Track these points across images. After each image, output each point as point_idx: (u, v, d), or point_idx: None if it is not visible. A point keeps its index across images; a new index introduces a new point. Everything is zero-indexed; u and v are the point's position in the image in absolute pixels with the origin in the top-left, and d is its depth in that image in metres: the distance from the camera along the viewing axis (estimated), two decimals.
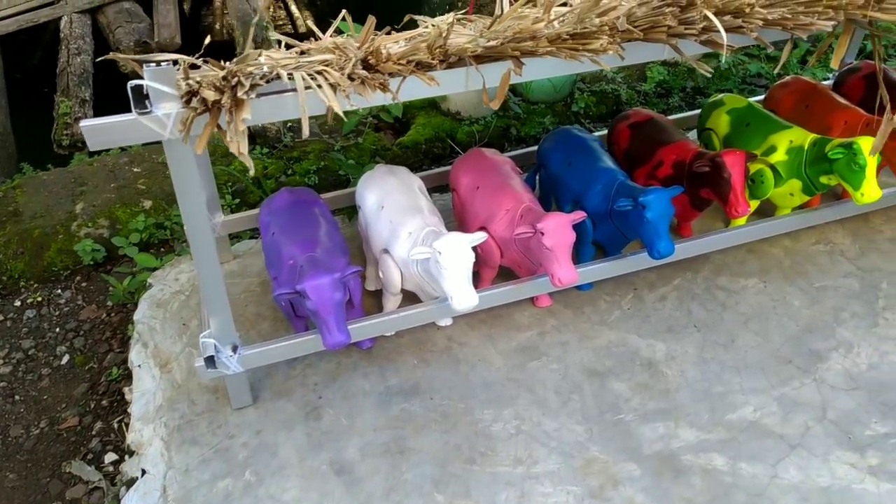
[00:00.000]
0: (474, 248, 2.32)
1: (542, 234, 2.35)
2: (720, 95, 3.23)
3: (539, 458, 2.31)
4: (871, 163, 2.65)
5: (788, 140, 2.88)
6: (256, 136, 3.98)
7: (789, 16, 1.84)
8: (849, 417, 2.40)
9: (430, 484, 2.25)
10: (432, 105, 4.31)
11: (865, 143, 2.63)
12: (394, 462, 2.31)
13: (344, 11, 2.04)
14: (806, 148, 2.83)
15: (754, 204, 3.02)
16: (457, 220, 2.91)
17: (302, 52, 1.87)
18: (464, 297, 2.23)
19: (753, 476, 2.24)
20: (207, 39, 2.16)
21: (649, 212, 2.45)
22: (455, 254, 2.22)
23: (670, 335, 2.72)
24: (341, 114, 1.66)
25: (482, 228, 2.64)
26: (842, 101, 3.14)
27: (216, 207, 2.93)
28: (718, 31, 1.85)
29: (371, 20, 1.85)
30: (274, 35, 4.88)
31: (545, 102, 4.36)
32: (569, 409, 2.46)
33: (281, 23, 7.26)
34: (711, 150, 3.22)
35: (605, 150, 2.92)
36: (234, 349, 2.30)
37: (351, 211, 3.35)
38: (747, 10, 1.81)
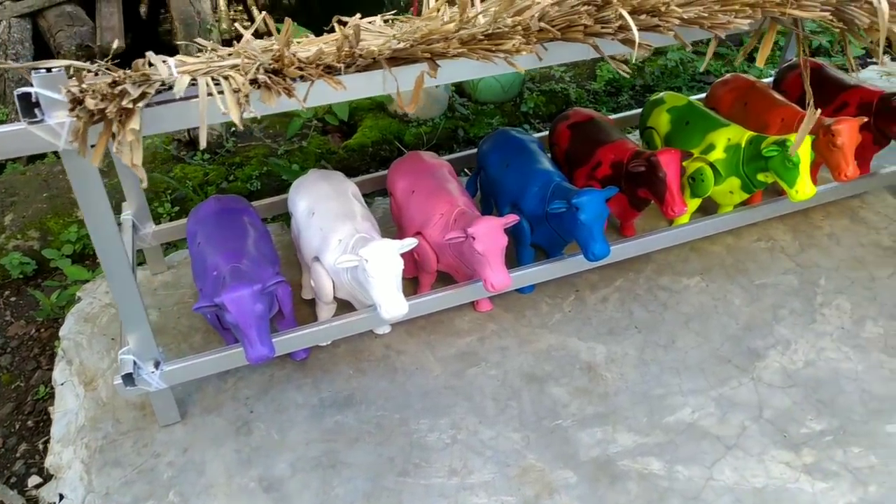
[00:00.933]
0: (411, 254, 2.26)
1: (474, 238, 2.30)
2: (661, 94, 3.22)
3: (474, 467, 2.26)
4: (805, 160, 2.65)
5: (726, 138, 2.87)
6: (196, 143, 3.87)
7: (706, 14, 1.82)
8: (785, 416, 2.39)
9: (362, 499, 2.19)
10: (380, 107, 4.25)
11: None
12: (325, 477, 2.25)
13: (264, 13, 1.97)
14: (743, 146, 2.82)
15: (695, 202, 3.02)
16: (396, 224, 2.85)
17: (222, 56, 1.80)
18: (392, 305, 2.18)
19: (689, 479, 2.22)
20: (116, 43, 2.09)
21: (583, 214, 2.42)
22: (382, 261, 2.17)
23: (611, 337, 2.70)
24: (238, 122, 1.59)
25: (418, 233, 2.59)
26: (779, 98, 3.14)
27: (146, 217, 2.84)
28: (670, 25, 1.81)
29: (287, 23, 1.78)
30: (214, 37, 4.78)
31: (494, 103, 4.32)
32: (506, 416, 2.42)
33: (246, 24, 7.13)
34: (653, 148, 3.21)
35: (543, 151, 2.88)
36: (156, 365, 2.22)
37: (288, 218, 3.27)
38: (663, 9, 1.78)
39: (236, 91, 1.64)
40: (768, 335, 2.69)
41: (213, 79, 1.72)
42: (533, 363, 2.60)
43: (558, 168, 3.04)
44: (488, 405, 2.46)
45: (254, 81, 1.69)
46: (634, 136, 3.64)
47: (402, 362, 2.62)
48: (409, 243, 2.27)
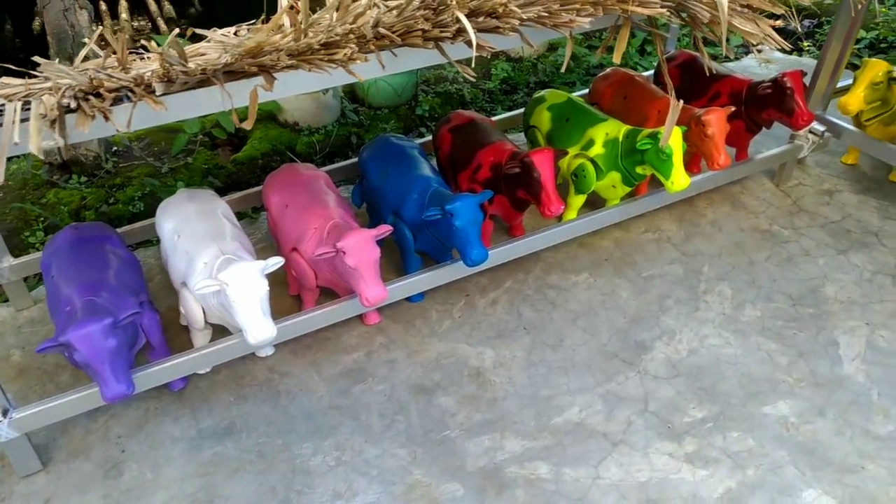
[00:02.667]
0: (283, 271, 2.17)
1: (344, 253, 2.23)
2: (542, 92, 3.22)
3: (359, 489, 2.19)
4: (678, 151, 2.68)
5: (604, 133, 2.89)
6: (71, 165, 3.65)
7: (546, 14, 1.79)
8: (669, 406, 2.42)
9: None
10: (270, 117, 4.12)
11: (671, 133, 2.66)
12: None
13: (101, 28, 1.84)
14: (620, 140, 2.85)
15: (580, 199, 3.03)
16: (274, 241, 2.74)
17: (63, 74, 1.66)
18: (258, 329, 2.08)
19: (576, 480, 2.20)
20: None
21: (457, 220, 2.38)
22: (243, 285, 2.06)
23: (500, 340, 2.67)
24: (37, 152, 1.46)
25: (294, 249, 2.50)
26: (656, 90, 3.19)
27: (2, 250, 2.64)
28: (480, 33, 1.78)
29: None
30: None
31: (388, 107, 4.25)
32: (392, 432, 2.35)
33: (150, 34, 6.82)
34: (537, 147, 3.21)
35: (425, 157, 2.83)
36: (4, 413, 2.05)
37: None
38: (501, 10, 1.74)
39: (43, 116, 1.51)
40: (654, 326, 2.72)
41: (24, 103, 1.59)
42: (421, 374, 2.55)
43: (443, 173, 3.02)
44: (374, 422, 2.39)
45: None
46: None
47: (286, 384, 2.52)
48: (274, 263, 2.17)
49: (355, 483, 2.21)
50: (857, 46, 4.87)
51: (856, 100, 3.01)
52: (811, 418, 2.37)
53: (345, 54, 1.63)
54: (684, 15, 2.12)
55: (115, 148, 3.86)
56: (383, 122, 4.13)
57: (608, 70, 3.43)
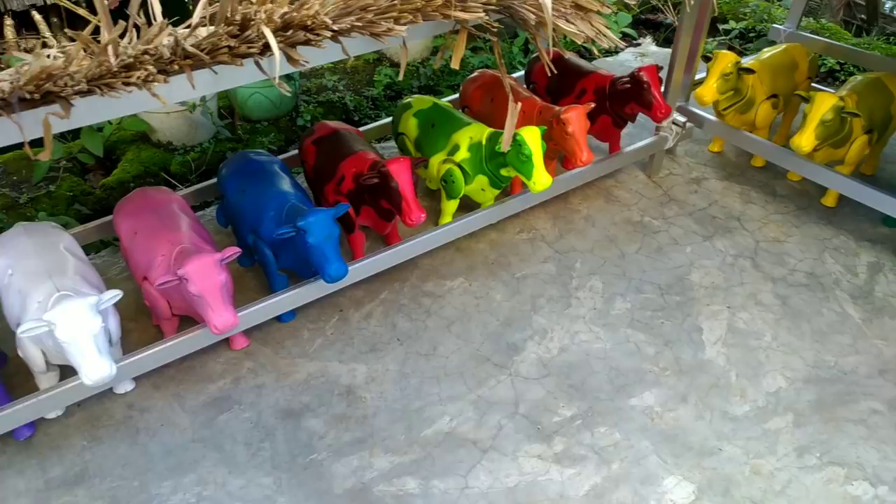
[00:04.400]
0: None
1: (186, 280, 2.13)
2: (408, 98, 3.19)
3: None
4: (537, 152, 2.69)
5: (469, 137, 2.88)
6: None
7: (360, 24, 1.75)
8: (539, 407, 2.42)
9: None
10: (143, 137, 3.94)
11: (528, 134, 2.68)
12: None
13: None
14: (484, 143, 2.84)
15: (453, 204, 3.01)
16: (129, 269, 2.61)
17: None
18: (93, 369, 1.96)
19: (445, 492, 2.18)
20: None
21: (310, 236, 2.31)
22: (71, 323, 1.94)
23: (373, 355, 2.62)
24: None
25: (145, 279, 2.38)
26: (522, 90, 3.21)
27: None
28: (294, 47, 1.72)
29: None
30: None
31: (267, 120, 4.14)
32: (258, 460, 2.27)
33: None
34: (407, 154, 3.18)
35: (285, 172, 2.75)
36: None
37: None
38: (310, 23, 1.69)
39: None
40: (527, 327, 2.72)
41: None
42: (290, 397, 2.47)
43: (311, 186, 2.95)
44: (239, 452, 2.30)
45: None
46: None
47: (147, 421, 2.39)
48: (110, 298, 2.05)
49: None
50: (727, 37, 5.06)
51: (709, 91, 3.10)
52: (674, 406, 2.42)
53: (139, 77, 1.54)
54: (505, 17, 2.11)
55: None
56: (263, 136, 4.01)
57: (476, 72, 3.43)
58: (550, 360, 2.59)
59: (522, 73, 3.72)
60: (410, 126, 3.07)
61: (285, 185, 2.64)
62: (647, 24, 5.41)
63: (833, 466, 2.22)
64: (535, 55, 3.58)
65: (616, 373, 2.54)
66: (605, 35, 2.20)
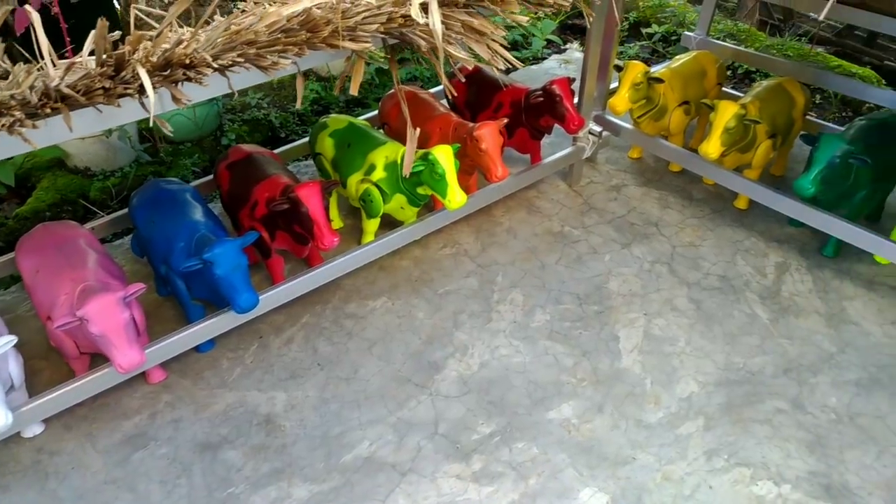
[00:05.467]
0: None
1: (87, 320, 2.08)
2: (324, 118, 3.17)
3: None
4: (451, 171, 2.71)
5: (384, 156, 2.88)
6: None
7: (241, 59, 1.74)
8: (458, 426, 2.44)
9: None
10: (59, 163, 3.83)
11: (441, 153, 2.70)
12: None
13: None
14: (399, 162, 2.85)
15: (374, 223, 3.01)
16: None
17: None
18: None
19: None
20: None
21: (217, 268, 2.29)
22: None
23: (293, 381, 2.60)
24: None
25: (49, 319, 2.31)
26: (438, 107, 3.22)
27: None
28: (177, 84, 1.70)
29: None
30: None
31: (191, 140, 4.07)
32: (173, 498, 2.23)
33: None
34: (325, 176, 3.17)
35: (197, 200, 2.71)
36: None
37: None
38: (188, 61, 1.67)
39: None
40: (448, 344, 2.74)
41: None
42: (208, 430, 2.44)
43: (228, 212, 2.92)
44: (154, 491, 2.25)
45: None
46: None
47: (56, 464, 2.33)
48: (4, 343, 1.99)
49: None
50: (650, 41, 5.18)
51: (621, 101, 3.17)
52: (591, 416, 2.46)
53: (3, 124, 1.49)
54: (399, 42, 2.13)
55: None
56: (186, 157, 3.94)
57: (392, 90, 3.43)
58: (470, 377, 2.61)
59: (438, 88, 3.74)
60: (327, 146, 3.06)
61: (196, 213, 2.60)
62: (573, 30, 5.49)
63: (740, 467, 2.29)
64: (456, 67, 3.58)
65: (535, 386, 2.57)
66: (502, 56, 2.22)
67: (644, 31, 5.29)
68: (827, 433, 2.39)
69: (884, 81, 4.64)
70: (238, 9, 1.87)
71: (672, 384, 2.57)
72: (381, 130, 3.42)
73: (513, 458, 2.34)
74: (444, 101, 3.43)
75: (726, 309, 2.86)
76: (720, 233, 3.25)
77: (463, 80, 3.46)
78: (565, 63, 4.80)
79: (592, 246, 3.19)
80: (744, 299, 2.91)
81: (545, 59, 4.98)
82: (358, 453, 2.36)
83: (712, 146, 2.97)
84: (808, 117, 3.52)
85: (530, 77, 4.66)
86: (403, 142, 3.13)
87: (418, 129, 2.34)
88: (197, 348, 2.67)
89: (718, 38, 4.97)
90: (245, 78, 1.87)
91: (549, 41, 5.10)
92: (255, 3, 1.93)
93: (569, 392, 2.55)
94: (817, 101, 4.44)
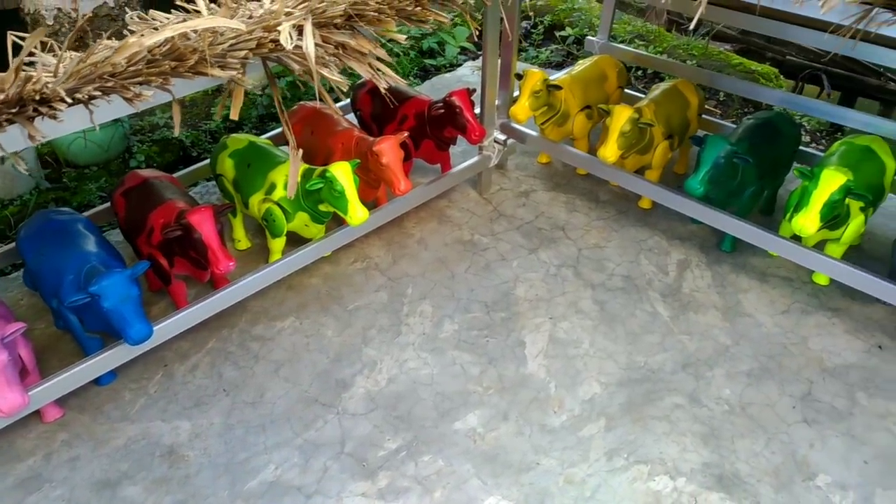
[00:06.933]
0: None
1: None
2: (224, 138, 3.13)
3: None
4: (350, 187, 2.71)
5: (284, 175, 2.86)
6: None
7: (100, 92, 1.70)
8: (365, 443, 2.44)
9: None
10: None
11: (338, 170, 2.69)
12: None
13: None
14: (300, 180, 2.83)
15: (279, 242, 2.98)
16: None
17: None
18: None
19: None
20: None
21: (105, 300, 2.23)
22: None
23: (197, 409, 2.56)
24: None
25: None
26: (341, 122, 3.22)
27: None
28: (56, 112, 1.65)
29: None
30: None
31: (97, 164, 3.96)
32: None
33: None
34: (227, 197, 3.13)
35: (91, 230, 2.63)
36: None
37: None
38: (40, 97, 1.63)
39: None
40: (356, 361, 2.74)
41: None
42: (108, 466, 2.37)
43: (127, 240, 2.85)
44: None
45: None
46: None
47: None
48: None
49: None
50: (564, 44, 5.28)
51: (521, 109, 3.22)
52: (496, 424, 2.50)
53: None
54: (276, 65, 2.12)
55: None
56: (92, 182, 3.83)
57: (296, 105, 3.41)
58: (378, 393, 2.61)
59: (344, 102, 3.74)
60: (227, 167, 3.02)
61: (87, 244, 2.53)
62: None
63: (638, 465, 2.36)
64: (360, 81, 3.59)
65: (442, 398, 2.59)
66: (385, 74, 2.23)
67: (558, 34, 5.39)
68: (720, 424, 2.48)
69: (782, 77, 4.85)
70: (100, 41, 1.83)
71: (575, 387, 2.62)
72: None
73: (418, 472, 2.35)
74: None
75: (629, 308, 2.94)
76: (625, 233, 3.34)
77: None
78: (479, 70, 4.84)
79: (501, 253, 3.23)
80: (646, 298, 2.99)
81: (460, 65, 5.02)
82: (263, 478, 2.34)
83: (609, 150, 3.04)
84: (704, 116, 3.65)
85: (445, 85, 4.70)
86: (308, 158, 3.14)
87: (300, 152, 2.32)
88: (97, 381, 2.60)
89: (629, 39, 5.12)
90: (111, 110, 1.83)
91: (463, 48, 5.14)
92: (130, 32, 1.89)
93: (475, 401, 2.58)
94: (721, 99, 4.60)
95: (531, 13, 5.63)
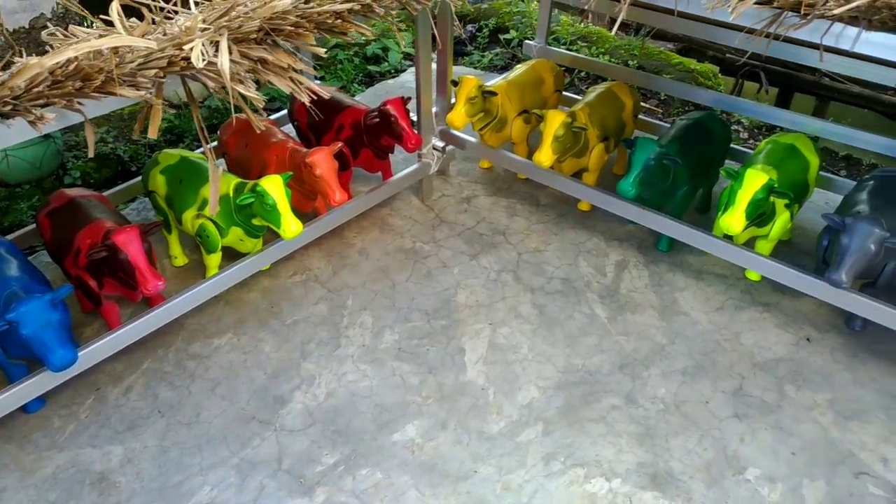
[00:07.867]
0: None
1: None
2: (156, 153, 3.07)
3: None
4: (282, 200, 2.69)
5: None
6: None
7: (23, 109, 1.66)
8: (302, 459, 2.42)
9: None
10: None
11: (269, 184, 2.67)
12: None
13: None
14: (231, 195, 2.80)
15: (215, 258, 2.93)
16: None
17: None
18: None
19: None
20: None
21: (24, 327, 2.18)
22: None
23: (130, 433, 2.51)
24: None
25: None
26: (276, 134, 3.18)
27: None
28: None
29: None
30: None
31: (29, 182, 3.85)
32: None
33: None
34: (160, 214, 3.07)
35: (13, 254, 2.56)
36: None
37: None
38: None
39: None
40: (295, 376, 2.71)
41: None
42: (35, 497, 2.31)
43: (55, 261, 2.78)
44: None
45: None
46: None
47: None
48: None
49: None
50: (509, 47, 5.30)
51: (458, 116, 3.23)
52: (434, 434, 2.50)
53: None
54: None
55: None
56: (24, 201, 3.73)
57: (231, 118, 3.36)
58: (316, 408, 2.59)
59: (282, 113, 3.71)
60: (159, 183, 2.96)
61: (8, 269, 2.46)
62: (434, 40, 5.55)
63: (575, 468, 2.38)
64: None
65: (381, 409, 2.58)
66: (306, 87, 2.21)
67: (502, 37, 5.42)
68: (655, 424, 2.52)
69: (720, 75, 4.95)
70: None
71: (514, 392, 2.64)
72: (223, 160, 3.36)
73: (356, 486, 2.34)
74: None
75: (567, 311, 2.97)
76: (564, 236, 3.37)
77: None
78: None
79: (442, 260, 3.23)
80: (584, 300, 3.02)
81: (405, 70, 5.01)
82: (198, 500, 2.30)
83: (544, 155, 3.07)
84: (642, 117, 3.71)
85: (389, 91, 4.69)
86: (244, 171, 3.11)
87: (221, 167, 2.30)
88: (24, 409, 2.53)
89: (570, 41, 5.17)
90: (22, 131, 1.78)
91: (407, 54, 5.14)
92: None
93: (414, 412, 2.57)
94: (662, 98, 4.68)
95: (475, 16, 5.65)
